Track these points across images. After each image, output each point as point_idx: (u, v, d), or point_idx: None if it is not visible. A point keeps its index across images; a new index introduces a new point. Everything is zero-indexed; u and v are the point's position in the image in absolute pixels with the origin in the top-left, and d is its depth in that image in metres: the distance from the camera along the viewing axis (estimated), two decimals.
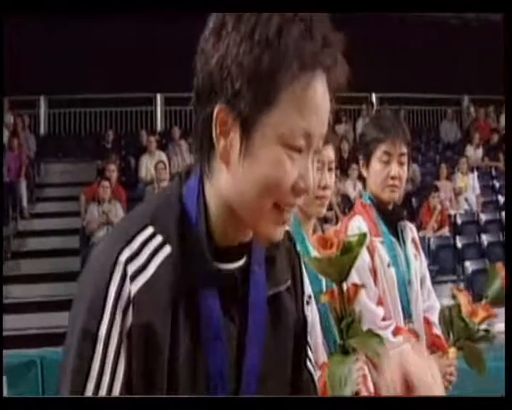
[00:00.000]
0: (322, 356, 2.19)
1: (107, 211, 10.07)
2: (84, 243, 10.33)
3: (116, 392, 1.08)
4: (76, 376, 1.09)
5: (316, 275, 1.96)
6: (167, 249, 1.13)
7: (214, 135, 1.11)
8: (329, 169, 2.42)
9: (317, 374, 2.30)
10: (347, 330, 1.56)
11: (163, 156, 12.13)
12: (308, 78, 1.08)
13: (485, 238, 11.45)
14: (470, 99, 16.56)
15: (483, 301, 2.44)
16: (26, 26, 13.82)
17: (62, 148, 14.40)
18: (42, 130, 15.08)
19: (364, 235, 1.56)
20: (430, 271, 10.88)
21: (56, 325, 8.75)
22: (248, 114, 1.08)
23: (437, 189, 11.99)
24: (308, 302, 2.23)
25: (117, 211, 10.10)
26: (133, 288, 1.09)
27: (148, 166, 12.04)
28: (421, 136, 16.06)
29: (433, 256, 11.04)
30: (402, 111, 15.90)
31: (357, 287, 1.59)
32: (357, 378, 1.93)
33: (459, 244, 11.42)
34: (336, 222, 10.44)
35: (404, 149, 2.80)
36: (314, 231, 2.45)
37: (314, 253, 1.50)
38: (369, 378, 2.15)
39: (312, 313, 2.18)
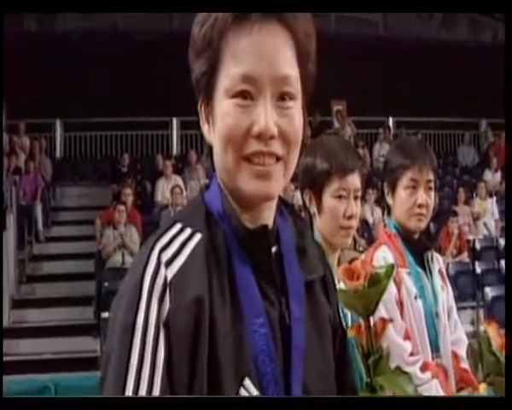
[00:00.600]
0: None
1: (123, 235, 10.03)
2: (100, 267, 10.29)
3: (157, 383, 1.08)
4: (117, 372, 1.08)
5: (341, 308, 1.86)
6: (198, 237, 1.17)
7: (201, 124, 1.21)
8: (355, 198, 2.32)
9: None
10: (374, 368, 1.48)
11: (179, 180, 12.09)
12: (244, 24, 1.12)
13: (504, 264, 11.30)
14: (488, 123, 16.46)
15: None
16: (43, 48, 13.95)
17: (78, 171, 14.48)
18: (58, 153, 15.13)
19: (392, 266, 1.48)
20: None
21: (71, 350, 8.71)
22: (206, 86, 1.16)
23: (455, 214, 11.87)
24: None
25: (132, 235, 10.06)
26: (169, 273, 1.11)
27: (164, 190, 12.01)
28: (438, 160, 15.93)
29: (452, 282, 10.88)
30: (419, 135, 15.86)
31: (384, 322, 1.51)
32: None
33: (478, 270, 11.27)
34: (355, 247, 10.38)
35: (431, 176, 2.71)
36: (339, 263, 2.36)
37: (340, 285, 1.40)
38: None
39: None
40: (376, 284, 1.38)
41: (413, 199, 2.69)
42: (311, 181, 2.34)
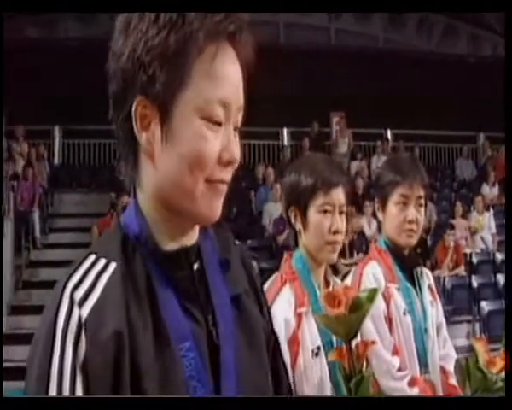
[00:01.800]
0: None
1: None
2: None
3: None
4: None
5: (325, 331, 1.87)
6: (112, 266, 1.12)
7: (136, 132, 1.13)
8: (340, 213, 2.33)
9: None
10: (356, 390, 1.50)
11: None
12: (214, 47, 1.12)
13: (501, 278, 11.29)
14: (486, 136, 16.49)
15: (501, 348, 2.35)
16: (43, 53, 13.98)
17: (76, 178, 14.47)
18: (56, 160, 15.13)
19: (375, 290, 1.49)
20: (445, 311, 10.69)
21: None
22: (165, 96, 1.11)
23: (452, 227, 11.89)
24: (317, 354, 2.15)
25: None
26: (83, 312, 1.07)
27: None
28: (436, 173, 15.99)
29: (448, 296, 10.90)
30: (417, 148, 15.89)
31: (366, 344, 1.53)
32: None
33: (475, 284, 11.28)
34: (351, 256, 10.38)
35: (422, 192, 2.72)
36: (325, 278, 2.37)
37: (322, 310, 1.42)
38: None
39: (321, 364, 2.09)
40: (358, 309, 1.40)
41: (403, 215, 2.70)
42: (296, 198, 2.35)
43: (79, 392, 1.04)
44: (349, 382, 1.48)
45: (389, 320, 2.64)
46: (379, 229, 2.90)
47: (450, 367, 2.68)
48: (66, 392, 1.04)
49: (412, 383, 2.57)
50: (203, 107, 1.11)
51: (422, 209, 2.74)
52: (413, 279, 2.75)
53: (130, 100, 1.13)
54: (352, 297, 1.38)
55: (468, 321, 10.56)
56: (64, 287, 1.09)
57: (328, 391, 2.13)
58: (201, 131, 1.11)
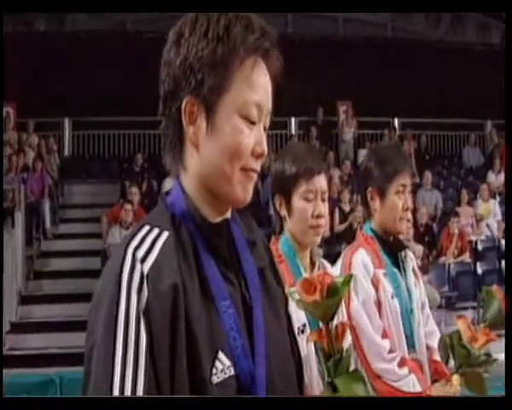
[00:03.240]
0: (318, 388, 2.22)
1: None
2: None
3: (142, 367, 1.22)
4: (103, 361, 1.22)
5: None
6: (165, 234, 1.33)
7: (184, 124, 1.35)
8: (322, 199, 2.47)
9: None
10: (335, 369, 1.62)
11: None
12: (253, 59, 1.35)
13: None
14: (493, 124, 16.49)
15: (481, 325, 2.47)
16: (50, 47, 14.10)
17: (86, 169, 14.61)
18: (66, 151, 15.26)
19: (350, 276, 1.62)
20: (450, 297, 10.77)
21: (76, 345, 8.85)
22: (210, 98, 1.33)
23: (457, 214, 11.96)
24: (303, 330, 2.29)
25: None
26: (145, 267, 1.27)
27: None
28: (443, 161, 16.03)
29: (453, 282, 11.00)
30: (424, 137, 15.94)
31: (344, 325, 1.65)
32: None
33: (479, 270, 11.36)
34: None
35: (409, 180, 2.86)
36: (312, 260, 2.52)
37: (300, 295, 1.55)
38: None
39: (307, 341, 2.23)
40: (334, 294, 1.51)
41: (401, 204, 2.82)
42: (281, 186, 2.49)
43: (143, 336, 1.23)
44: (328, 361, 1.60)
45: (378, 305, 2.77)
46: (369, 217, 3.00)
47: (434, 344, 2.79)
48: (132, 336, 1.22)
49: (402, 363, 2.70)
50: (242, 107, 1.34)
51: (409, 196, 2.87)
52: (398, 263, 2.88)
53: (179, 99, 1.34)
54: (327, 284, 1.50)
55: (473, 307, 10.64)
56: (126, 248, 1.29)
57: (314, 370, 2.28)
58: (240, 126, 1.34)
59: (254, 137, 1.35)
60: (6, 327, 9.85)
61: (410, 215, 2.87)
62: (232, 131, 1.33)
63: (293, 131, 15.87)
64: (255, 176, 1.39)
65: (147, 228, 1.34)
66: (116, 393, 1.20)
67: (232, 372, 1.30)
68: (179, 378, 1.26)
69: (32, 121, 13.76)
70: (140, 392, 1.21)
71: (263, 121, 1.38)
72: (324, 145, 14.00)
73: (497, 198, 13.18)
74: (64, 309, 10.39)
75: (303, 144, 2.80)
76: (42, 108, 13.24)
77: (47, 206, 12.21)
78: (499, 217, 12.75)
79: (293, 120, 15.84)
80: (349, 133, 15.28)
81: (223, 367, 1.29)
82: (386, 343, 2.72)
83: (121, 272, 1.26)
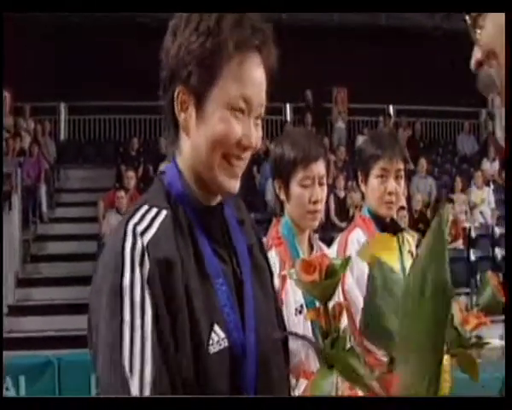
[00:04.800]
0: (314, 365, 2.30)
1: None
2: (102, 248, 10.47)
3: (148, 330, 1.29)
4: (112, 332, 1.29)
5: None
6: (163, 213, 1.41)
7: (176, 112, 1.43)
8: (320, 184, 2.54)
9: (304, 383, 2.43)
10: (331, 347, 1.69)
11: None
12: (242, 55, 1.40)
13: (498, 252, 11.47)
14: (488, 112, 16.55)
15: (474, 310, 2.55)
16: (46, 32, 14.07)
17: (82, 154, 14.64)
18: (62, 136, 15.30)
19: (349, 258, 1.69)
20: None
21: (73, 327, 8.94)
22: (200, 88, 1.40)
23: (451, 201, 12.04)
24: (300, 311, 2.38)
25: None
26: (145, 240, 1.35)
27: None
28: (438, 148, 16.11)
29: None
30: (419, 124, 16.00)
31: (341, 305, 1.72)
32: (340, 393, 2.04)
33: (473, 257, 11.45)
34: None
35: (401, 166, 2.92)
36: (310, 243, 2.60)
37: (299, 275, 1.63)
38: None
39: (304, 321, 2.30)
40: (332, 275, 1.58)
41: (383, 187, 2.90)
42: (279, 171, 2.57)
43: (148, 303, 1.30)
44: (325, 339, 1.67)
45: None
46: (362, 199, 3.10)
47: None
48: (137, 302, 1.30)
49: None
50: (229, 100, 1.40)
51: (402, 181, 2.94)
52: None
53: (174, 86, 1.42)
54: (325, 265, 1.57)
55: (467, 293, 10.73)
56: (127, 224, 1.38)
57: (311, 347, 2.36)
58: (227, 116, 1.40)
59: (242, 130, 1.41)
60: (4, 310, 9.91)
61: (394, 199, 2.94)
62: (219, 122, 1.40)
63: (288, 118, 15.91)
64: (241, 164, 1.46)
65: (146, 207, 1.42)
66: (126, 363, 1.27)
67: (226, 344, 1.40)
68: (182, 348, 1.33)
69: (28, 106, 13.77)
70: (148, 358, 1.28)
71: (254, 113, 1.44)
72: (319, 131, 14.06)
73: (491, 186, 13.25)
74: (60, 292, 10.46)
75: (302, 130, 2.88)
76: (38, 93, 13.23)
77: (43, 190, 12.26)
78: (493, 204, 12.83)
79: (288, 105, 15.88)
80: (343, 120, 15.34)
81: (218, 339, 1.39)
82: None
83: (123, 246, 1.34)
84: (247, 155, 1.46)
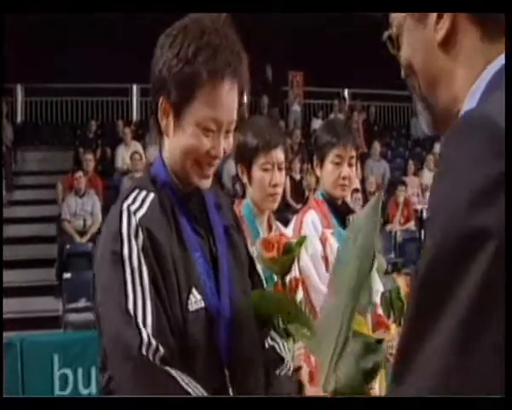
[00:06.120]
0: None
1: (84, 204, 10.25)
2: (61, 230, 10.56)
3: (146, 287, 1.58)
4: (118, 293, 1.57)
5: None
6: (151, 195, 1.71)
7: (159, 117, 1.71)
8: (279, 169, 2.78)
9: None
10: (288, 318, 1.92)
11: (138, 147, 12.23)
12: (214, 83, 1.65)
13: None
14: None
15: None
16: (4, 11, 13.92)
17: (39, 136, 14.58)
18: (19, 118, 15.22)
19: (304, 237, 1.92)
20: (396, 263, 11.09)
21: (34, 309, 9.04)
22: (177, 104, 1.67)
23: (404, 184, 12.37)
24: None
25: (94, 202, 10.25)
26: (137, 216, 1.64)
27: (123, 156, 12.19)
28: (391, 132, 16.44)
29: (399, 249, 11.43)
30: (373, 107, 16.30)
31: (297, 280, 1.96)
32: (298, 356, 2.28)
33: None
34: None
35: (354, 153, 3.18)
36: (269, 223, 2.84)
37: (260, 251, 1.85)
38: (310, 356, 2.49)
39: None
40: (289, 252, 1.81)
41: (338, 172, 3.15)
42: (242, 157, 2.81)
43: (144, 268, 1.60)
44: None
45: (325, 259, 3.09)
46: (317, 183, 3.35)
47: (377, 299, 3.12)
48: (135, 267, 1.59)
49: None
50: (201, 120, 1.66)
51: (354, 167, 3.20)
52: (345, 225, 3.19)
53: (158, 95, 1.69)
54: (283, 243, 1.80)
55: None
56: (122, 205, 1.66)
57: None
58: (197, 133, 1.67)
59: (210, 143, 1.68)
60: None
61: (347, 183, 3.16)
62: (190, 137, 1.67)
63: (244, 99, 16.01)
64: (211, 168, 1.73)
65: (137, 190, 1.72)
66: (131, 309, 1.56)
67: (202, 305, 1.67)
68: (172, 303, 1.62)
69: None
70: (149, 314, 1.56)
71: (224, 129, 1.69)
72: (275, 113, 14.27)
73: None
74: (21, 275, 10.49)
75: (264, 118, 3.10)
76: None
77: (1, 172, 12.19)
78: None
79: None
80: (299, 103, 15.56)
81: (196, 300, 1.66)
82: None
83: (121, 223, 1.63)
84: (217, 161, 1.73)
